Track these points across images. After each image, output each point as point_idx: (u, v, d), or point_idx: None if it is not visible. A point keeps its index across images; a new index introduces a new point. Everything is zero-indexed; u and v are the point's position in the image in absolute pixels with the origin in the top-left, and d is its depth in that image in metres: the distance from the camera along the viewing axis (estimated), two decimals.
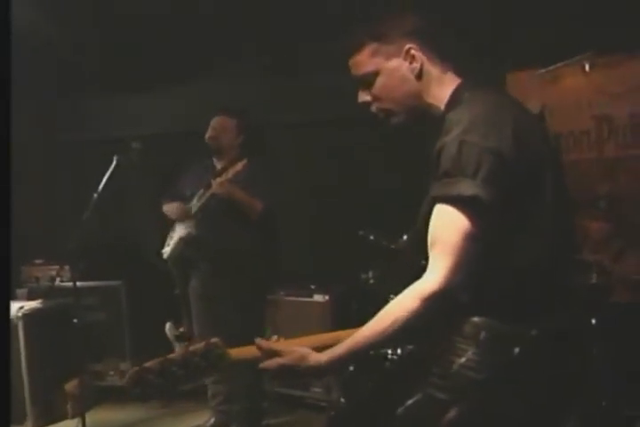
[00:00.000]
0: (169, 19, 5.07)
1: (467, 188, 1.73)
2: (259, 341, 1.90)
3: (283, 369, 1.85)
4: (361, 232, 4.45)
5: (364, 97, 2.08)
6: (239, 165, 4.25)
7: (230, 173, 4.28)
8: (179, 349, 1.91)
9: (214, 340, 1.89)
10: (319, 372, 1.84)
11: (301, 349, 1.86)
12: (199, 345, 1.87)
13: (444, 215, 1.78)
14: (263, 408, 4.69)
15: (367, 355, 1.84)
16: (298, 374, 1.85)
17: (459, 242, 1.74)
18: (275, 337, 2.01)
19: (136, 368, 1.86)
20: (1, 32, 2.02)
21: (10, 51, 2.04)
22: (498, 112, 1.84)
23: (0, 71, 2.04)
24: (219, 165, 4.59)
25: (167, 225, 4.65)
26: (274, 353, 1.86)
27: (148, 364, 1.85)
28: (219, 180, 4.30)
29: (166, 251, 4.59)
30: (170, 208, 4.59)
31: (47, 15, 4.97)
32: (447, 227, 1.77)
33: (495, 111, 1.85)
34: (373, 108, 2.08)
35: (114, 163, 4.25)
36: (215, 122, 4.57)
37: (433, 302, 1.73)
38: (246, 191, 4.33)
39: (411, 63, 2.00)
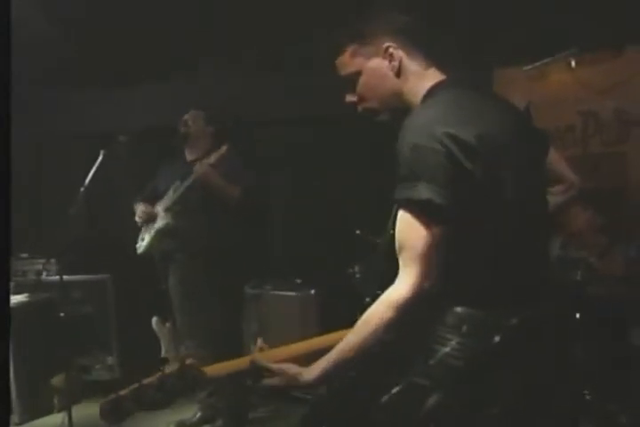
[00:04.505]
0: (158, 15, 5.07)
1: (422, 192, 1.75)
2: (254, 356, 1.95)
3: (274, 390, 1.92)
4: (353, 230, 4.47)
5: (349, 97, 2.10)
6: (223, 149, 4.26)
7: (213, 158, 4.28)
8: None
9: (189, 361, 1.93)
10: (309, 389, 1.90)
11: (290, 368, 1.90)
12: (174, 367, 1.91)
13: (405, 220, 1.81)
14: (249, 402, 4.70)
15: (354, 365, 1.86)
16: (288, 392, 1.93)
17: (422, 247, 1.76)
18: (260, 341, 2.04)
19: (112, 397, 1.88)
20: (1, 31, 2.01)
21: (10, 50, 2.03)
22: (460, 116, 1.84)
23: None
24: (190, 157, 4.60)
25: None
26: (265, 371, 1.91)
27: (123, 392, 1.88)
28: (200, 163, 4.31)
29: (140, 246, 4.59)
30: (137, 208, 4.62)
31: (36, 10, 4.97)
32: (409, 232, 1.79)
33: (457, 114, 1.84)
34: (359, 108, 2.10)
35: (100, 156, 4.24)
36: (187, 114, 4.63)
37: (406, 310, 1.77)
38: (225, 178, 4.34)
39: (390, 62, 2.02)
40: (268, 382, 1.90)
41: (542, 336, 1.89)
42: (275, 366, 1.91)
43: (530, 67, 4.62)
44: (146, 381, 1.88)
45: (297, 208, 5.73)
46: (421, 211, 1.77)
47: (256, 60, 5.63)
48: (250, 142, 4.93)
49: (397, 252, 1.82)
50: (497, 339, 1.80)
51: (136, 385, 1.88)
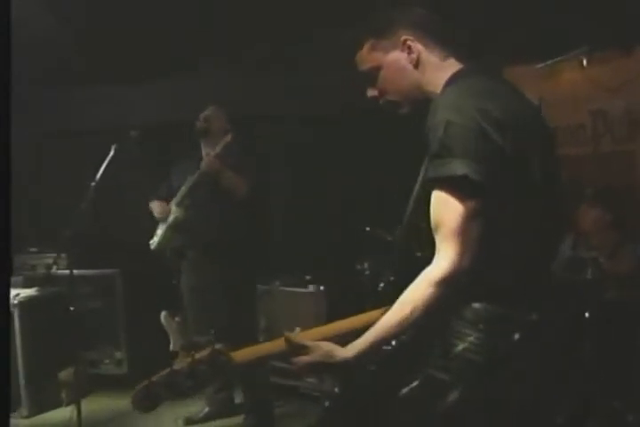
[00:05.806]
0: (158, 14, 5.08)
1: (457, 168, 1.75)
2: (288, 335, 1.92)
3: (310, 367, 1.88)
4: (361, 227, 4.47)
5: (371, 92, 2.11)
6: (227, 137, 4.27)
7: (219, 148, 4.29)
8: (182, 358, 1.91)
9: (218, 346, 1.90)
10: (346, 367, 1.86)
11: (326, 344, 1.88)
12: (204, 353, 1.88)
13: (440, 198, 1.80)
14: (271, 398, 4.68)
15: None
16: (324, 370, 1.89)
17: (460, 224, 1.75)
18: (297, 329, 2.02)
19: (144, 383, 1.86)
20: (1, 31, 2.01)
21: (10, 50, 2.04)
22: (486, 96, 1.86)
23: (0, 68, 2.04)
24: (206, 153, 4.61)
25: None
26: (301, 349, 1.89)
27: (155, 378, 1.86)
28: (207, 156, 4.33)
29: (154, 242, 4.60)
30: (154, 206, 4.64)
31: (36, 10, 4.98)
32: (447, 209, 1.78)
33: (483, 95, 1.86)
34: (381, 101, 2.11)
35: (112, 151, 4.24)
36: (208, 109, 4.61)
37: (446, 287, 1.75)
38: (233, 170, 4.36)
39: (409, 54, 2.03)
40: (304, 358, 1.87)
41: (555, 334, 1.90)
42: (310, 343, 1.89)
43: (541, 65, 4.62)
44: (176, 367, 1.86)
45: (300, 205, 5.74)
46: (457, 187, 1.76)
47: (256, 60, 5.63)
48: (250, 142, 4.93)
49: (434, 231, 1.80)
50: (516, 336, 1.80)
51: (167, 370, 1.85)
